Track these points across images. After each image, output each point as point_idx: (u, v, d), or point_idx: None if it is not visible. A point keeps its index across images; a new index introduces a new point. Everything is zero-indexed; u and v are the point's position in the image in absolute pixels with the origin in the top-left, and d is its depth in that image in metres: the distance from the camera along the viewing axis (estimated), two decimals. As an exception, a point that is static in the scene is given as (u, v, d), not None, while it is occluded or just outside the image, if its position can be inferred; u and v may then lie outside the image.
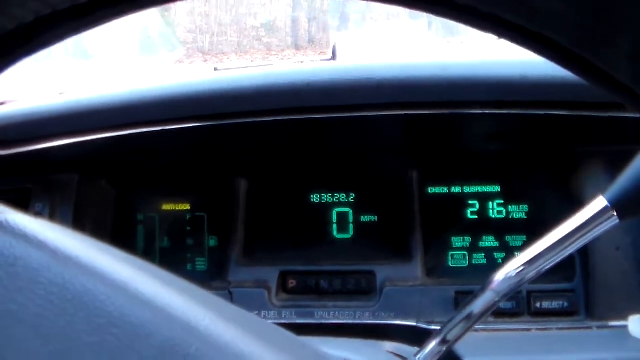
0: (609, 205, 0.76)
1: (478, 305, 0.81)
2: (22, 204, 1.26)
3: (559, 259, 0.78)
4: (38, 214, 1.24)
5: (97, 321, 0.29)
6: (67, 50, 2.27)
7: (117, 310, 0.29)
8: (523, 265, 0.79)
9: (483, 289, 0.81)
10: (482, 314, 0.82)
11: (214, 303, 0.37)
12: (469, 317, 0.82)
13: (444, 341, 0.83)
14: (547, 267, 0.79)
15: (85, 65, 2.33)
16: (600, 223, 0.76)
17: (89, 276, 0.31)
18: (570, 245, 0.78)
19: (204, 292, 0.37)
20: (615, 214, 0.76)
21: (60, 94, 1.31)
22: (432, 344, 0.84)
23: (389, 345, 1.00)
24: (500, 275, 0.80)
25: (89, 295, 0.30)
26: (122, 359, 0.28)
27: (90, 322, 0.29)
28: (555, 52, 0.38)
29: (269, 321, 1.13)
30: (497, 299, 0.81)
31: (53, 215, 1.25)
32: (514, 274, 0.80)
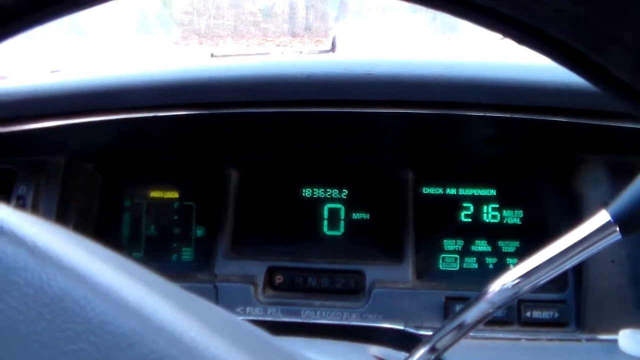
0: (612, 220, 0.73)
1: (471, 315, 0.79)
2: (5, 186, 1.23)
3: (558, 273, 0.76)
4: (20, 197, 1.21)
5: (75, 328, 0.27)
6: (62, 25, 2.23)
7: (97, 317, 0.28)
8: (520, 277, 0.77)
9: (477, 299, 0.79)
10: (474, 324, 0.80)
11: (201, 309, 0.35)
12: (460, 326, 0.80)
13: (433, 349, 0.81)
14: (545, 280, 0.77)
15: (81, 42, 2.29)
16: (602, 238, 0.74)
17: (68, 278, 0.29)
18: (570, 259, 0.75)
19: (191, 296, 0.35)
20: (617, 229, 0.73)
21: (52, 72, 1.28)
22: (421, 352, 0.82)
23: (376, 350, 0.98)
24: (496, 286, 0.78)
25: (68, 299, 0.28)
26: None
27: (67, 328, 0.27)
28: (552, 47, 0.38)
29: (253, 318, 1.12)
30: (490, 310, 0.79)
31: (37, 199, 1.22)
32: (510, 286, 0.77)
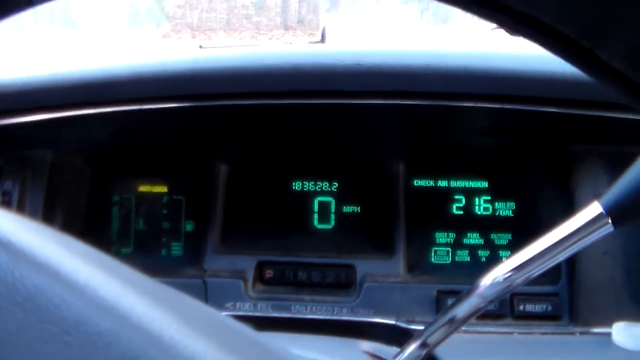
0: (604, 211, 0.72)
1: (462, 309, 0.78)
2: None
3: (550, 266, 0.75)
4: (6, 193, 1.19)
5: (50, 328, 0.26)
6: (53, 20, 2.22)
7: (72, 316, 0.26)
8: (511, 270, 0.76)
9: (469, 293, 0.78)
10: (467, 318, 0.79)
11: (183, 306, 0.34)
12: (451, 321, 0.79)
13: (424, 344, 0.80)
14: (537, 273, 0.75)
15: (72, 35, 2.28)
16: (595, 230, 0.73)
17: (43, 275, 0.27)
18: (562, 251, 0.74)
19: (174, 292, 0.34)
20: (610, 221, 0.72)
21: (43, 65, 1.26)
22: (412, 347, 0.81)
23: (366, 345, 0.97)
24: (487, 280, 0.77)
25: (42, 297, 0.26)
26: None
27: (41, 328, 0.26)
28: (546, 34, 0.38)
29: (243, 314, 1.10)
30: (482, 304, 0.78)
31: (23, 194, 1.20)
32: (501, 279, 0.76)
